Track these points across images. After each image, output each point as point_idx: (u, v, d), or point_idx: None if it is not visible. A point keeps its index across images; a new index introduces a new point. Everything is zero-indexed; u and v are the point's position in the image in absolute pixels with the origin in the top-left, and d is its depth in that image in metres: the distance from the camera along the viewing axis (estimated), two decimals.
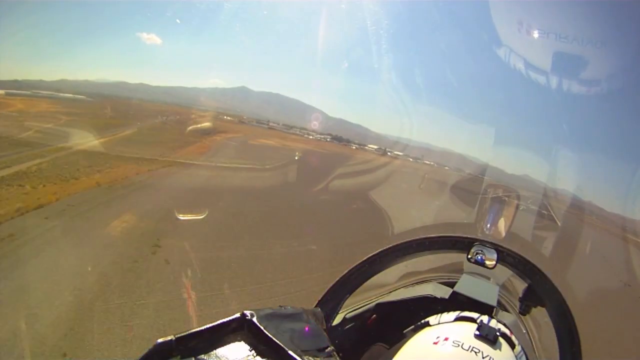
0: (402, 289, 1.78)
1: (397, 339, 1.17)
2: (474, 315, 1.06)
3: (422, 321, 1.12)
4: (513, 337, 0.99)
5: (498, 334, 0.90)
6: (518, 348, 0.96)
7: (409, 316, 1.38)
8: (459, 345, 0.85)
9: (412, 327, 1.13)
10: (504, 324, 1.06)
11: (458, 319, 1.05)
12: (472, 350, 0.84)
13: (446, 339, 0.87)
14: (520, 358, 0.95)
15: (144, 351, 0.60)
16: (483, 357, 0.83)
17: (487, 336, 0.88)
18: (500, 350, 0.88)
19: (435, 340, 0.88)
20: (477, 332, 0.89)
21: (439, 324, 1.06)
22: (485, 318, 1.02)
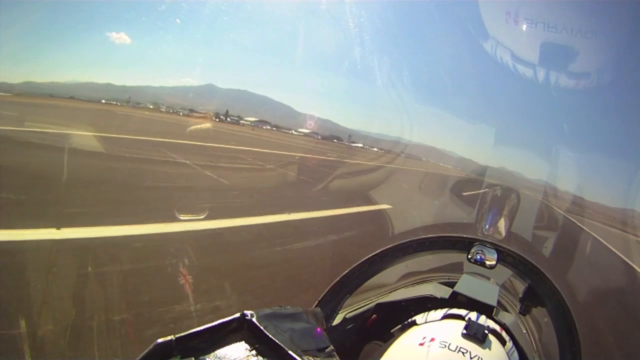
0: (402, 289, 1.78)
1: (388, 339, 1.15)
2: (462, 312, 1.03)
3: (409, 320, 1.10)
4: (504, 333, 0.98)
5: (487, 331, 0.88)
6: (509, 344, 0.94)
7: (409, 316, 1.38)
8: (446, 345, 0.83)
9: (399, 326, 1.11)
10: (494, 320, 1.03)
11: (445, 316, 1.03)
12: (459, 350, 0.82)
13: (432, 339, 0.85)
14: (512, 354, 0.94)
15: (143, 351, 0.60)
16: (471, 357, 0.81)
17: (476, 335, 0.86)
18: (489, 348, 0.86)
19: (422, 341, 0.86)
20: (465, 331, 0.87)
21: (425, 322, 1.03)
22: (473, 315, 0.99)
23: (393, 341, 0.96)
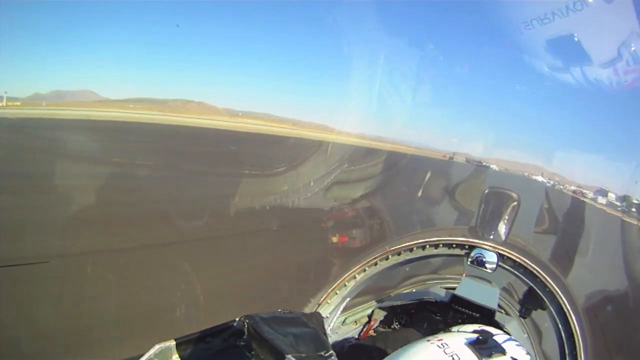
0: (402, 292, 1.78)
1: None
2: (495, 331, 1.00)
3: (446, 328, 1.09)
4: None
5: (495, 352, 0.84)
6: None
7: (410, 319, 1.38)
8: (443, 347, 0.83)
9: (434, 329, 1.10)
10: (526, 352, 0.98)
11: (476, 331, 0.99)
12: (452, 355, 0.81)
13: (440, 339, 0.86)
14: None
15: (143, 355, 0.60)
16: None
17: (481, 349, 0.84)
18: None
19: (431, 339, 0.88)
20: (473, 343, 0.85)
21: (457, 332, 1.02)
22: (500, 337, 0.94)
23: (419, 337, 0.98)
